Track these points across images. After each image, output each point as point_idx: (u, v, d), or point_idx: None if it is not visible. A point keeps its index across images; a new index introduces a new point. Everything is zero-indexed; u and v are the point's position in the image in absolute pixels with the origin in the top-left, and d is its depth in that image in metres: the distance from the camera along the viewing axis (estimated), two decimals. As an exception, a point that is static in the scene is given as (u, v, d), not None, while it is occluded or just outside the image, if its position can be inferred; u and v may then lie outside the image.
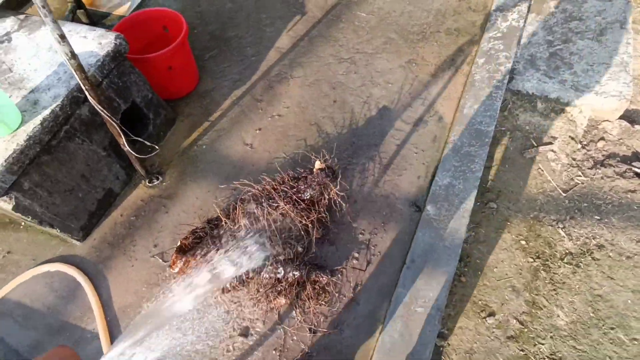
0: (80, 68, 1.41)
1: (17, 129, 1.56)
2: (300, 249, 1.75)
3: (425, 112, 2.26)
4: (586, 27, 2.45)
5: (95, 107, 1.56)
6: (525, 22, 2.56)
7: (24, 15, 1.91)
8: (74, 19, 2.67)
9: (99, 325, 1.69)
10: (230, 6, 2.90)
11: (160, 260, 1.89)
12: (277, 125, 2.28)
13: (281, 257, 1.70)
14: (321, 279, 1.71)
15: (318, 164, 1.85)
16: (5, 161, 1.49)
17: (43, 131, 1.58)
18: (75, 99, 1.68)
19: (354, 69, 2.48)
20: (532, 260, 1.87)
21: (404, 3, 2.78)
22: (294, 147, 2.19)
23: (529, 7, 2.62)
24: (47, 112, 1.60)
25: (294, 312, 1.71)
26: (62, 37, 1.30)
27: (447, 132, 2.18)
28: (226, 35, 2.72)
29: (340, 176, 1.85)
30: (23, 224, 2.04)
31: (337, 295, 1.74)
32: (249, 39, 2.68)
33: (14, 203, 1.58)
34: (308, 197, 1.83)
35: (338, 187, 1.79)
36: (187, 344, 1.65)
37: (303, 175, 1.87)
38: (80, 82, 1.45)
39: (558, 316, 1.75)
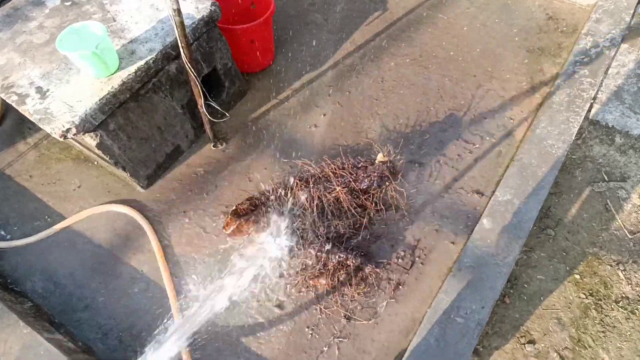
0: (182, 25, 1.48)
1: (114, 73, 1.66)
2: (349, 234, 1.75)
3: (494, 126, 2.18)
4: (686, 67, 2.26)
5: (186, 64, 1.63)
6: (617, 51, 2.40)
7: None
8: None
9: (161, 266, 1.79)
10: (314, -7, 2.93)
11: (215, 218, 1.95)
12: (342, 113, 2.28)
13: (329, 237, 1.71)
14: (365, 267, 1.70)
15: (381, 157, 1.84)
16: (99, 100, 1.59)
17: (135, 79, 1.68)
18: (167, 55, 1.76)
19: (426, 72, 2.43)
20: (584, 296, 1.77)
21: (489, 13, 2.69)
22: (355, 137, 2.18)
23: (623, 37, 2.46)
24: (141, 62, 1.69)
25: (331, 295, 1.72)
26: (174, -7, 1.37)
27: (514, 149, 2.09)
28: (306, 20, 2.75)
29: (401, 172, 1.83)
30: (96, 162, 2.18)
31: (376, 287, 1.73)
32: (327, 27, 2.70)
33: (99, 140, 1.68)
34: (365, 187, 1.83)
35: (397, 182, 1.77)
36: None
37: (363, 164, 1.86)
38: (178, 38, 1.52)
39: (603, 359, 1.64)
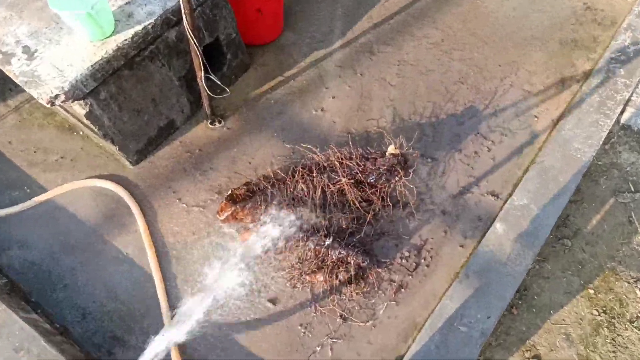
0: (186, -11, 1.49)
1: (109, 36, 1.67)
2: (351, 229, 1.80)
3: (516, 123, 2.21)
4: None
5: (187, 32, 1.64)
6: (657, 50, 2.41)
7: None
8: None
9: (147, 249, 1.84)
10: (330, -40, 2.91)
11: (208, 202, 1.99)
12: (353, 97, 2.30)
13: (330, 231, 1.75)
14: (366, 266, 1.75)
15: (392, 149, 1.87)
16: (92, 66, 1.61)
17: (131, 45, 1.69)
18: (167, 21, 1.77)
19: (447, 58, 2.44)
20: (597, 313, 1.82)
21: (522, -1, 2.69)
22: (365, 125, 2.21)
23: (666, 35, 2.46)
24: (139, 27, 1.70)
25: (328, 293, 1.77)
26: (181, -47, 1.38)
27: (536, 150, 2.12)
28: (320, -9, 2.74)
29: (413, 167, 1.86)
30: (81, 132, 2.20)
31: (377, 288, 1.78)
32: (343, 1, 2.69)
33: (88, 109, 1.71)
34: (372, 180, 1.86)
35: (408, 177, 1.81)
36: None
37: (373, 156, 1.89)
38: (181, 3, 1.53)
39: (610, 380, 1.71)
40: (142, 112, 1.94)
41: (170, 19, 1.78)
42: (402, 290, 1.79)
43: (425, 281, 1.81)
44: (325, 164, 1.89)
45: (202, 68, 1.83)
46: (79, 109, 1.70)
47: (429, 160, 2.09)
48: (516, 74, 2.37)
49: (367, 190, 1.86)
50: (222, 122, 2.20)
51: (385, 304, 1.76)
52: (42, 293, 1.82)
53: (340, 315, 1.73)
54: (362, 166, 1.87)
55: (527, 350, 1.75)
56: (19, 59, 1.62)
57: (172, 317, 1.69)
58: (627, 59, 2.33)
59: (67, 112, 1.96)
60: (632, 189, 2.08)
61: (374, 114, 2.24)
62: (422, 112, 2.25)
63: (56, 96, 1.56)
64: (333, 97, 2.31)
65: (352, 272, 1.74)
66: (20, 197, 2.02)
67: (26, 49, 1.65)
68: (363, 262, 1.75)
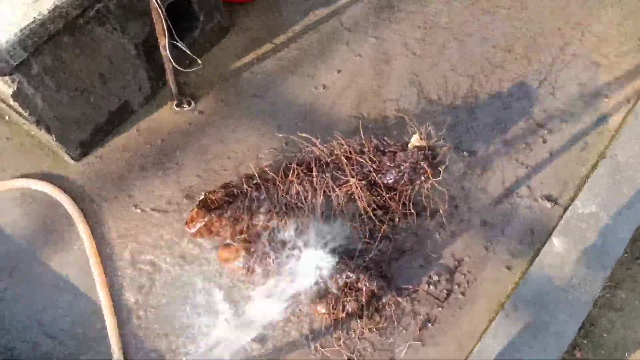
0: None
1: (43, -8, 1.66)
2: (362, 246, 1.80)
3: (580, 106, 2.20)
4: None
5: (146, -14, 1.63)
6: None
7: None
8: None
9: (95, 271, 1.83)
10: None
11: (174, 210, 1.98)
12: (365, 71, 2.30)
13: (336, 248, 1.75)
14: (382, 294, 1.75)
15: (416, 139, 1.87)
16: (20, 31, 1.61)
17: (72, 3, 1.69)
18: (119, -30, 1.76)
19: (489, 18, 2.43)
20: (686, 355, 1.82)
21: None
22: (381, 108, 2.20)
23: None
24: (82, -21, 1.69)
25: (332, 329, 1.76)
26: None
27: (607, 140, 2.11)
28: None
29: (444, 164, 1.85)
30: (7, 117, 2.20)
31: (396, 323, 1.77)
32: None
33: (16, 88, 1.71)
34: (390, 181, 1.86)
35: (438, 178, 1.80)
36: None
37: (391, 149, 1.89)
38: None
39: None
40: (87, 91, 1.94)
41: (124, -32, 1.78)
42: (430, 325, 1.78)
43: (460, 314, 1.80)
44: (329, 160, 1.89)
45: (166, 33, 1.82)
46: (4, 87, 1.70)
47: (465, 154, 2.08)
48: (581, 40, 2.36)
49: (384, 193, 1.86)
50: (193, 104, 2.20)
51: (408, 344, 1.75)
52: (-44, 329, 1.82)
53: (348, 359, 1.72)
54: (377, 162, 1.87)
55: (594, 405, 1.74)
56: None
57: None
58: None
59: (-11, 91, 1.95)
60: None
61: (392, 92, 2.23)
62: (455, 91, 2.24)
63: (-27, 71, 1.55)
64: (339, 71, 2.30)
65: (364, 302, 1.73)
66: None
67: None
68: (378, 289, 1.74)
